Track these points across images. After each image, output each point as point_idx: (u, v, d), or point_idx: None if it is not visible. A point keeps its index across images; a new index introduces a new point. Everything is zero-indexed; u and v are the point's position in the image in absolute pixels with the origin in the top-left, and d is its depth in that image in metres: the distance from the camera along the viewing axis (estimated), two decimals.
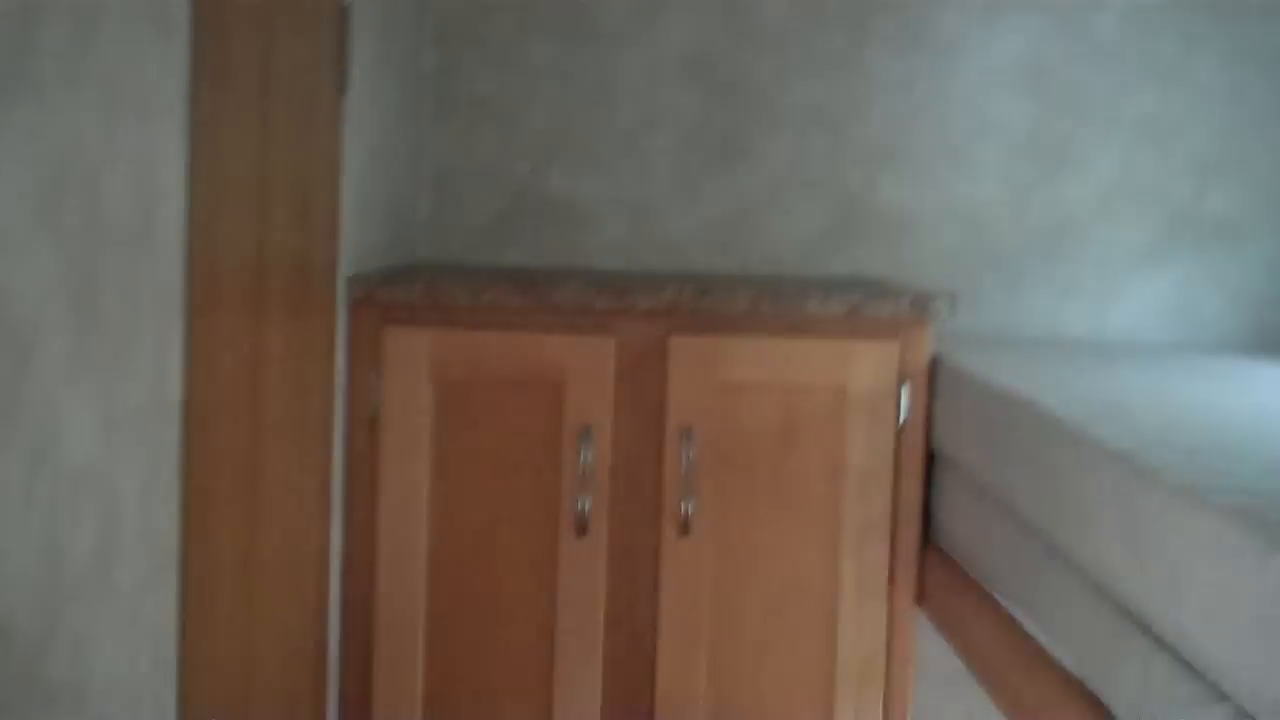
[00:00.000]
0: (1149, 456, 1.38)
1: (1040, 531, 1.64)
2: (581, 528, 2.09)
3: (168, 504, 1.30)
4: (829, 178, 2.59)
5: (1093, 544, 1.44)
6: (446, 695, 2.12)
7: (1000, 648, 1.77)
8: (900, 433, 2.12)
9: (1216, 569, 1.16)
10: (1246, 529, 1.12)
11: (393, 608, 2.09)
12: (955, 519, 2.05)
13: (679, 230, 2.60)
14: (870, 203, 2.59)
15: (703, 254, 2.61)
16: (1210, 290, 2.64)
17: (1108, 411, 1.67)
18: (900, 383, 2.11)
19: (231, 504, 1.50)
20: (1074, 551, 1.51)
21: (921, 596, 2.14)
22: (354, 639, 2.10)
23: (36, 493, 1.03)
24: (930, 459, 2.15)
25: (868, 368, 2.10)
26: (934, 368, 2.13)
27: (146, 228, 1.22)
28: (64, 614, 1.08)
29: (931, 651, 2.52)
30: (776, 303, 2.09)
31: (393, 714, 2.10)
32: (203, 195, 1.36)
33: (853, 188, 2.59)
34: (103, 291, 1.14)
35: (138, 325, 1.22)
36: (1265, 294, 2.64)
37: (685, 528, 2.10)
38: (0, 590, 0.98)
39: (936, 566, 2.10)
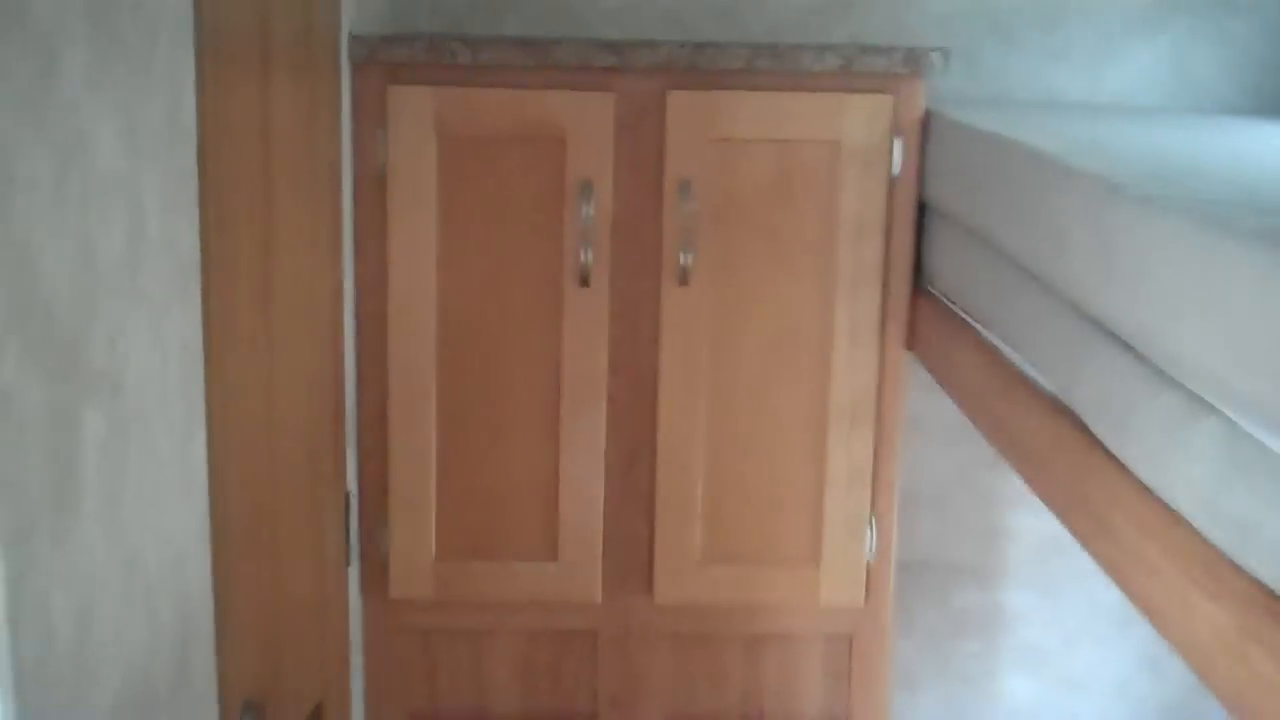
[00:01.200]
0: (1118, 176, 1.45)
1: (1020, 261, 1.72)
2: (584, 279, 2.18)
3: (188, 222, 1.38)
4: None
5: (1065, 262, 1.52)
6: (459, 440, 2.24)
7: (984, 378, 1.87)
8: (892, 184, 2.18)
9: (1174, 266, 1.23)
10: (1203, 225, 1.20)
11: (405, 356, 2.20)
12: (944, 265, 2.13)
13: (677, 0, 2.63)
14: None
15: (701, 23, 2.63)
16: (1207, 54, 2.67)
17: (1087, 148, 1.74)
18: (893, 136, 2.17)
19: (248, 236, 1.59)
20: (1049, 274, 1.59)
21: (912, 340, 2.23)
22: (369, 388, 2.20)
23: (67, 191, 1.11)
24: (921, 210, 2.22)
25: (861, 121, 2.16)
26: (926, 121, 2.18)
27: None
28: (100, 307, 1.17)
29: (924, 408, 2.65)
30: (772, 59, 2.14)
31: (408, 461, 2.22)
32: None
33: None
34: (119, 13, 1.20)
35: (153, 53, 1.29)
36: (1263, 57, 2.67)
37: (684, 278, 2.18)
38: (40, 277, 1.06)
39: (926, 310, 2.19)
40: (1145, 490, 1.26)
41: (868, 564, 2.30)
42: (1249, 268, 1.06)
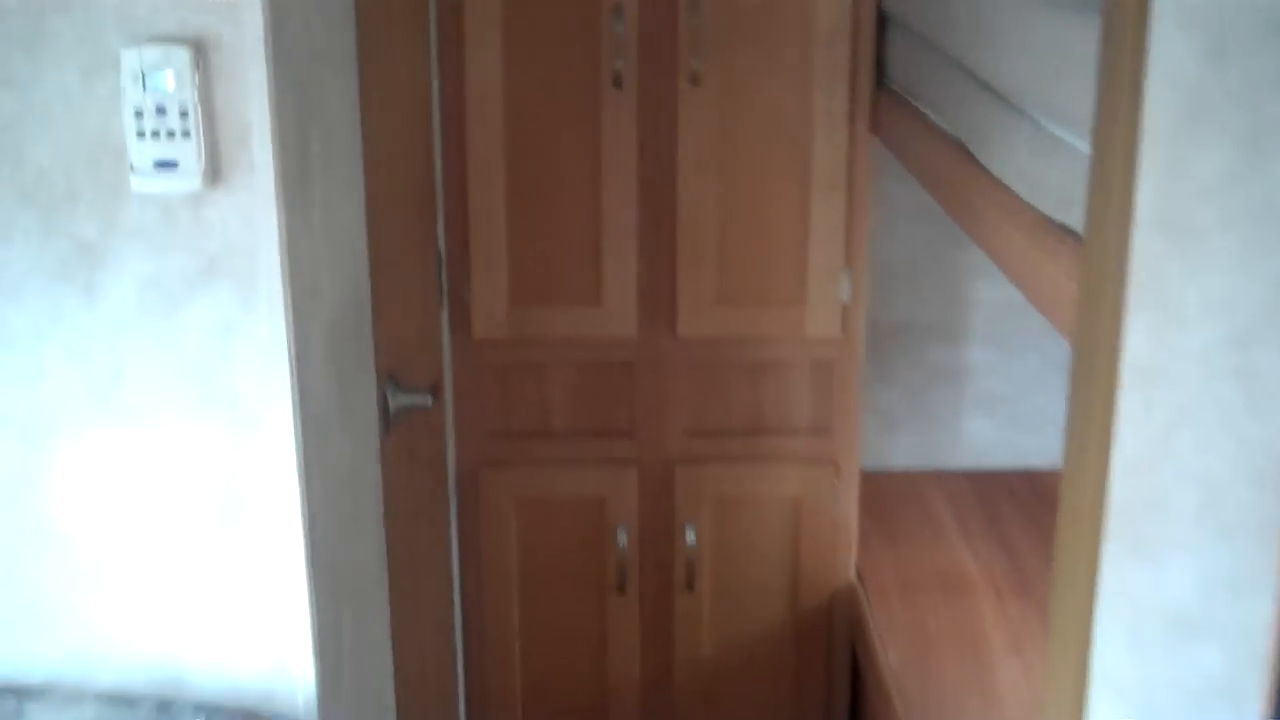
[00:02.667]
0: None
1: (957, 58, 2.29)
2: (617, 82, 2.79)
3: (350, 34, 1.99)
4: None
5: (992, 55, 2.08)
6: (522, 211, 2.85)
7: (933, 153, 2.44)
8: (856, 1, 2.78)
9: (1056, 33, 1.81)
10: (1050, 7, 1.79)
11: (479, 144, 2.81)
12: (900, 65, 2.72)
13: None
14: None
15: None
16: None
17: None
18: None
19: (383, 45, 2.19)
20: (978, 66, 2.15)
21: (875, 125, 2.84)
22: (451, 169, 2.82)
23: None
24: (882, 20, 2.81)
25: None
26: None
27: None
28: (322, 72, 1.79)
29: (898, 193, 3.25)
30: None
31: (484, 227, 2.85)
32: None
33: None
34: None
35: None
36: None
37: (696, 79, 2.79)
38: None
39: (886, 102, 2.79)
40: (1005, 188, 1.88)
41: (843, 304, 2.94)
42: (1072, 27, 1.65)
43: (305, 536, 1.72)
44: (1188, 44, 1.23)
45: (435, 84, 2.75)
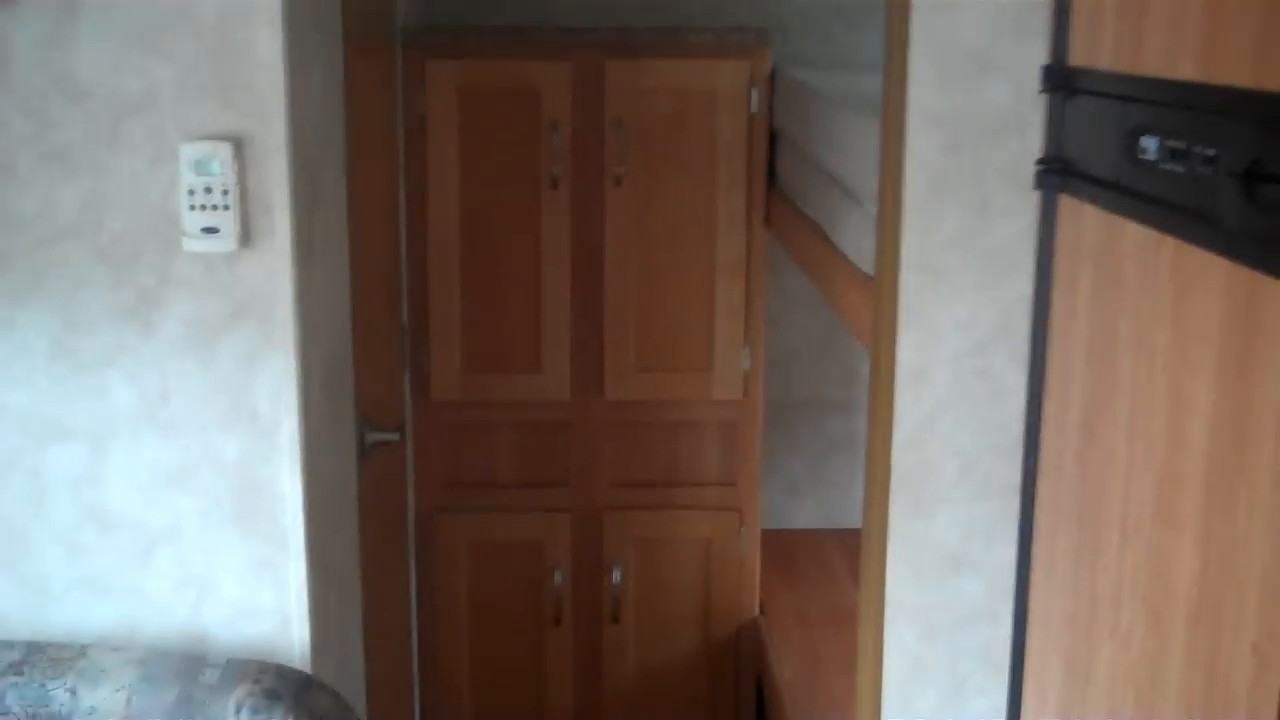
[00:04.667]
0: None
1: (819, 161, 2.88)
2: (554, 184, 3.35)
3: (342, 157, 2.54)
4: None
5: (837, 157, 2.66)
6: (474, 292, 3.40)
7: (803, 238, 3.03)
8: (751, 119, 3.37)
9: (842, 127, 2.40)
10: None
11: (438, 236, 3.36)
12: (786, 170, 3.31)
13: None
14: None
15: (629, 13, 3.79)
16: None
17: (860, 93, 2.91)
18: (751, 87, 3.35)
19: (363, 159, 2.74)
20: (831, 167, 2.74)
21: (768, 221, 3.42)
22: (415, 256, 3.37)
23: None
24: (773, 136, 3.41)
25: (729, 77, 3.34)
26: (774, 76, 3.37)
27: None
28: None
29: (799, 285, 3.82)
30: (672, 37, 3.33)
31: (442, 305, 3.39)
32: None
33: None
34: (308, 18, 2.35)
35: (324, 39, 2.43)
36: None
37: (619, 182, 3.36)
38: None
39: (776, 202, 3.37)
40: (844, 258, 2.45)
41: (744, 372, 3.49)
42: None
43: (305, 527, 2.21)
44: (931, 140, 1.80)
45: (402, 184, 3.31)
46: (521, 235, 3.39)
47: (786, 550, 3.92)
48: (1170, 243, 1.36)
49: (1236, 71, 1.23)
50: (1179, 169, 1.34)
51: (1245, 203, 1.18)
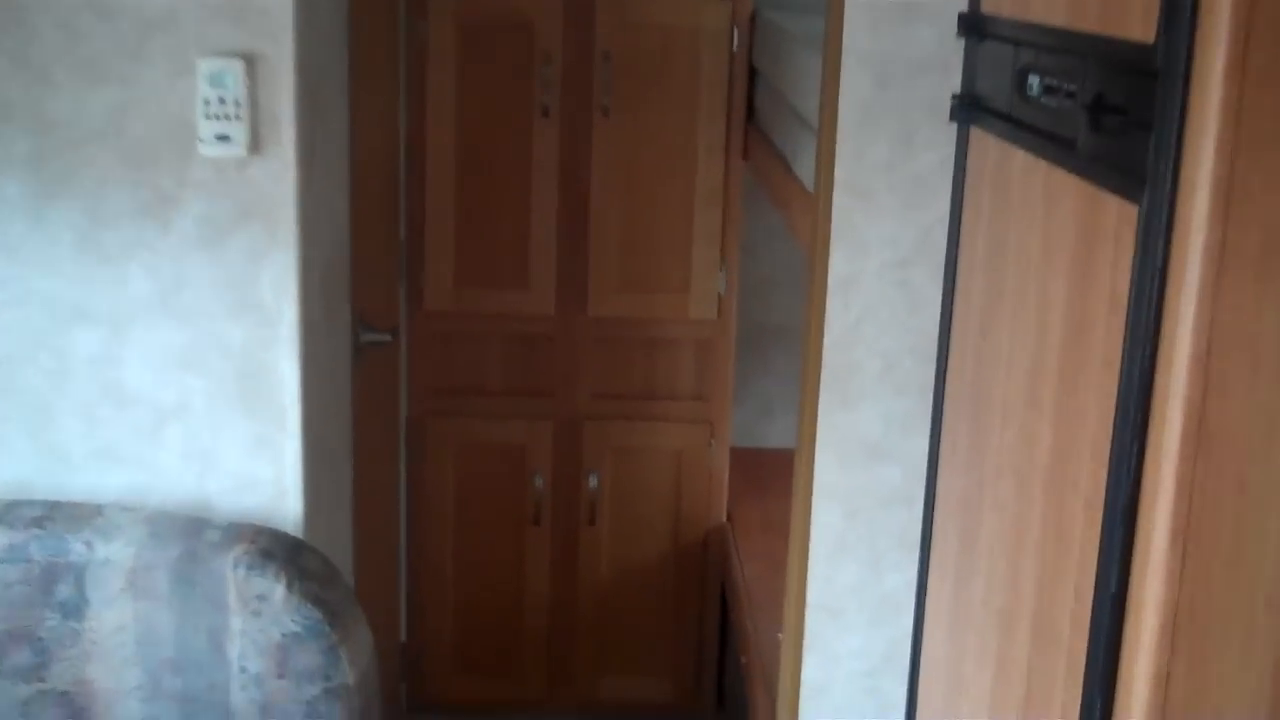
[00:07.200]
0: None
1: (786, 98, 3.10)
2: (545, 113, 3.58)
3: (342, 83, 2.76)
4: None
5: (799, 92, 2.90)
6: (469, 209, 3.63)
7: (770, 167, 3.26)
8: (732, 56, 3.58)
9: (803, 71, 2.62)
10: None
11: (436, 157, 3.59)
12: (763, 107, 3.53)
13: None
14: None
15: None
16: None
17: None
18: (733, 26, 3.56)
19: (368, 78, 2.96)
20: (794, 102, 2.97)
21: (745, 154, 3.64)
22: (414, 175, 3.60)
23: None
24: (752, 74, 3.62)
25: (712, 16, 3.55)
26: (754, 17, 3.58)
27: None
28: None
29: (778, 218, 4.04)
30: None
31: (437, 221, 3.63)
32: None
33: None
34: None
35: None
36: None
37: (606, 112, 3.59)
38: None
39: (754, 136, 3.59)
40: (799, 182, 2.68)
41: (719, 295, 3.73)
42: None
43: (301, 408, 2.46)
44: (863, 76, 2.03)
45: (403, 106, 3.54)
46: (514, 159, 3.61)
47: (757, 466, 4.15)
48: (1043, 166, 1.59)
49: (1091, 19, 1.46)
50: (1052, 103, 1.56)
51: (1091, 130, 1.41)
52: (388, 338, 3.06)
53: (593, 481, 3.78)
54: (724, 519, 3.88)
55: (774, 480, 4.12)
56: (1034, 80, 1.63)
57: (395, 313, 3.51)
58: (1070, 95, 1.50)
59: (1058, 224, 1.53)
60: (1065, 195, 1.51)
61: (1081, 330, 1.44)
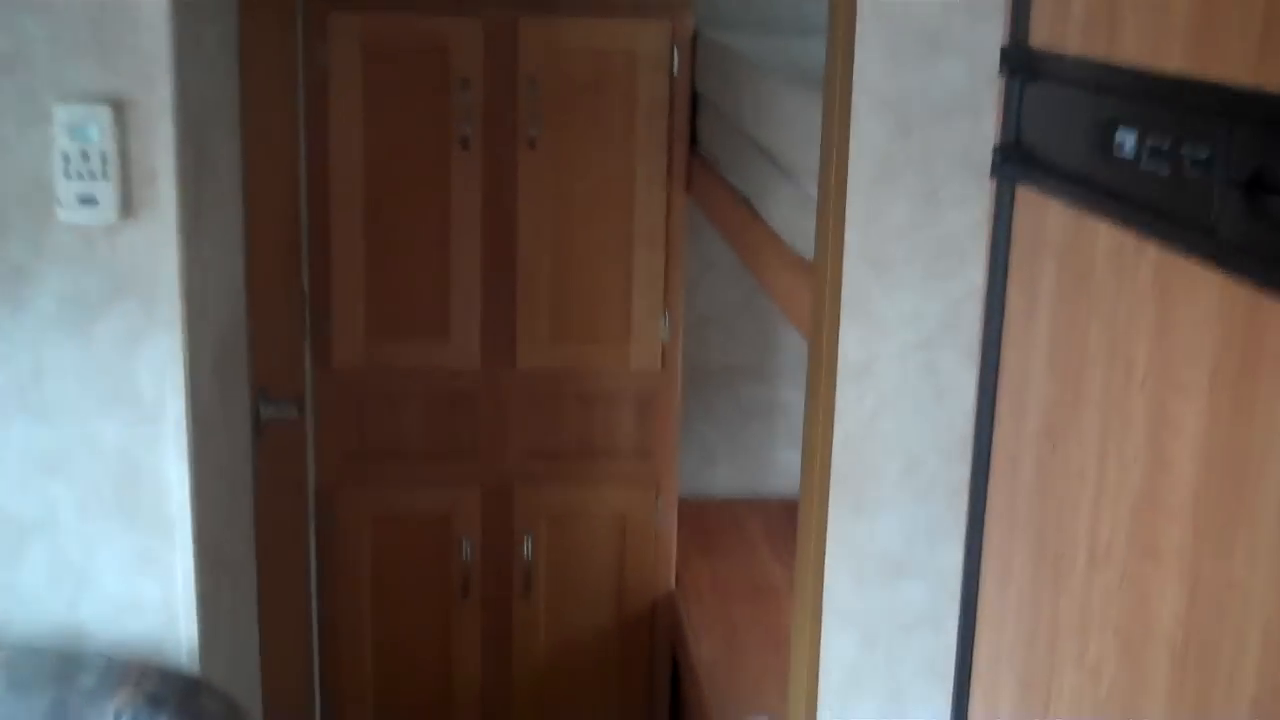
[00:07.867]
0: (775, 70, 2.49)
1: (746, 131, 2.74)
2: (464, 144, 3.18)
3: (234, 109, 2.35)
4: None
5: (768, 130, 2.53)
6: (379, 255, 3.24)
7: (728, 208, 2.89)
8: (673, 81, 3.22)
9: (792, 112, 2.26)
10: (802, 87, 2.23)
11: (341, 198, 3.19)
12: (709, 136, 3.17)
13: None
14: None
15: None
16: None
17: (786, 59, 2.77)
18: (673, 47, 3.19)
19: (261, 114, 2.55)
20: (760, 139, 2.60)
21: (689, 187, 3.28)
22: (316, 217, 3.19)
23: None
24: (694, 98, 3.26)
25: (650, 38, 3.19)
26: (696, 38, 3.21)
27: None
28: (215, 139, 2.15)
29: (718, 252, 3.69)
30: None
31: (345, 269, 3.22)
32: None
33: None
34: None
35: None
36: None
37: (533, 144, 3.20)
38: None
39: (697, 167, 3.23)
40: (775, 235, 2.32)
41: (663, 342, 3.36)
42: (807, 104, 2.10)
43: (192, 516, 2.05)
44: (880, 123, 1.67)
45: (302, 142, 3.11)
46: (430, 197, 3.22)
47: (703, 520, 3.81)
48: (1152, 249, 1.24)
49: (1234, 68, 1.11)
50: (1162, 170, 1.21)
51: (1247, 214, 1.06)
52: (294, 412, 2.65)
53: (527, 549, 3.40)
54: (672, 585, 3.52)
55: (722, 535, 3.78)
56: (1126, 138, 1.27)
57: (300, 377, 3.09)
58: (1200, 164, 1.15)
59: (1184, 328, 1.18)
60: (1196, 292, 1.16)
61: (1239, 476, 1.10)
